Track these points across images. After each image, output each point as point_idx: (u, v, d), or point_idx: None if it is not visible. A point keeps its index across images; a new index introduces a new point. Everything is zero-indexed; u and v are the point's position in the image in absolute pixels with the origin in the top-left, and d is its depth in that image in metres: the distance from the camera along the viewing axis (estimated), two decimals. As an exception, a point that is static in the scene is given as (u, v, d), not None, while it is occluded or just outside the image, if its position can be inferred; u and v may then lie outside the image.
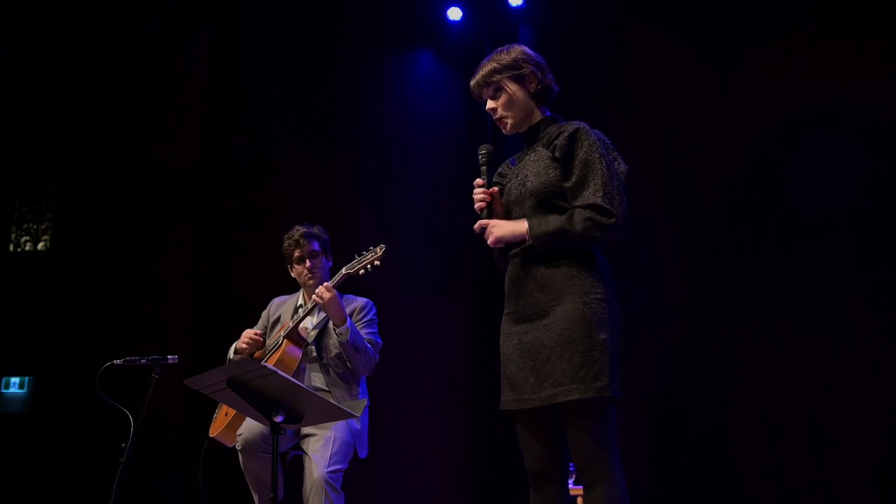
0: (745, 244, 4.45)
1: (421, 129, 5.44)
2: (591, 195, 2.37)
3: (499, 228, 2.48)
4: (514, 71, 2.56)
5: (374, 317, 3.71)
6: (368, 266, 3.39)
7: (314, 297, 3.45)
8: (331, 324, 3.53)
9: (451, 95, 5.53)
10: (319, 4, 5.54)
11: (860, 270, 4.17)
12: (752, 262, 4.40)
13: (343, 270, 3.45)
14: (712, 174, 4.61)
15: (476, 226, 2.53)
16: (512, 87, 2.56)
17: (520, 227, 2.44)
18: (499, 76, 2.56)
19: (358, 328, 3.60)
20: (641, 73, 4.98)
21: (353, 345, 3.43)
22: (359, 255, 3.44)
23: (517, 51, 2.59)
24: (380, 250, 3.38)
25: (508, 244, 2.53)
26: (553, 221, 2.39)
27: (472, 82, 2.61)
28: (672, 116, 4.81)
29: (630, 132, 4.69)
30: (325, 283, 3.44)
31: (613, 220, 2.35)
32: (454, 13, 5.44)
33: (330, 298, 3.40)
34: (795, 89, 4.47)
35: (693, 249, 4.59)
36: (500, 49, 2.62)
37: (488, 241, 2.51)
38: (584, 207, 2.36)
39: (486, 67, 2.58)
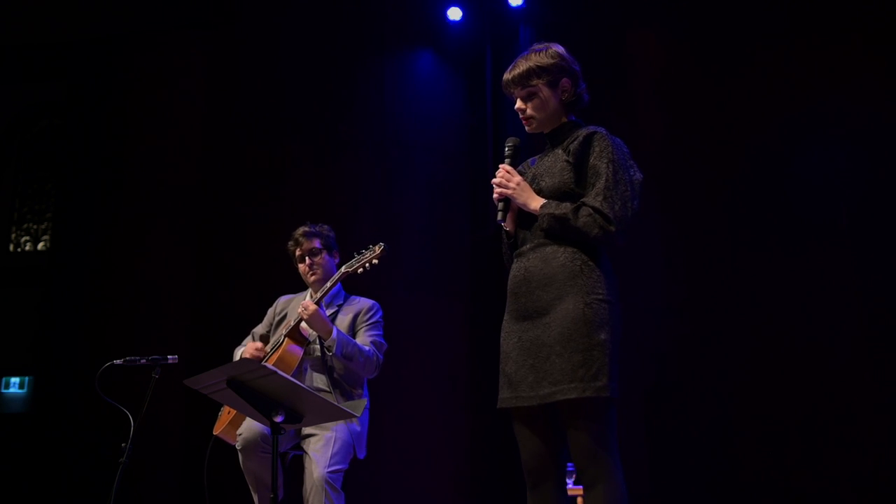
0: (744, 244, 4.45)
1: (421, 129, 5.44)
2: (592, 199, 2.40)
3: (520, 192, 2.50)
4: (551, 76, 2.54)
5: (380, 319, 3.71)
6: (367, 265, 3.41)
7: (297, 312, 3.48)
8: (336, 326, 3.54)
9: (451, 95, 5.53)
10: (319, 5, 5.54)
11: (860, 270, 4.17)
12: (751, 262, 4.40)
13: (342, 269, 3.49)
14: (712, 174, 4.60)
15: (501, 172, 2.54)
16: (545, 93, 2.55)
17: (535, 202, 2.48)
18: (535, 80, 2.54)
19: (362, 330, 3.62)
20: (641, 73, 4.98)
21: (342, 356, 3.44)
22: (358, 254, 3.46)
23: (556, 54, 2.56)
24: (378, 248, 3.40)
25: (517, 241, 2.56)
26: (563, 207, 2.43)
27: (507, 77, 2.58)
28: (672, 116, 4.81)
29: (630, 132, 4.67)
30: (307, 300, 3.47)
31: (613, 227, 2.36)
32: (454, 13, 5.44)
33: (312, 313, 3.41)
34: (795, 89, 4.47)
35: (693, 249, 4.59)
36: (537, 48, 2.59)
37: (496, 190, 2.53)
38: (590, 206, 2.39)
39: (523, 66, 2.55)
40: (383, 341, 3.65)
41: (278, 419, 2.55)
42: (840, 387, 4.07)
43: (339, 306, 3.70)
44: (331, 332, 3.43)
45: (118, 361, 3.41)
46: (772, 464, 4.17)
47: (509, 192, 2.51)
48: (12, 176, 7.34)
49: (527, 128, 2.62)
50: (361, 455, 3.50)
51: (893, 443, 3.93)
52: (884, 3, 4.34)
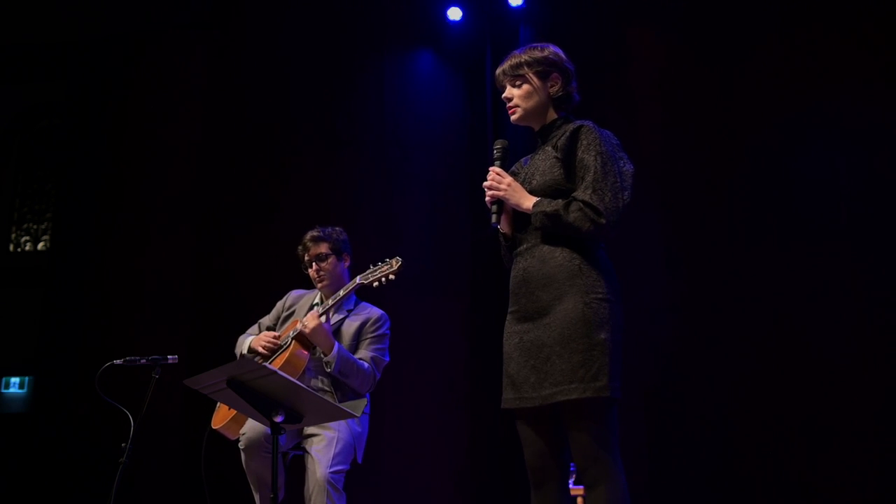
0: (744, 244, 4.45)
1: (421, 129, 5.44)
2: (581, 192, 2.40)
3: (511, 192, 2.50)
4: (541, 67, 2.57)
5: (387, 331, 3.65)
6: (383, 279, 3.35)
7: (299, 325, 3.45)
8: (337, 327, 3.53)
9: (451, 95, 5.53)
10: (319, 5, 5.54)
11: (860, 270, 4.17)
12: (751, 262, 4.40)
13: (357, 279, 3.43)
14: (712, 174, 4.61)
15: (492, 175, 2.54)
16: (535, 83, 2.57)
17: (528, 201, 2.47)
18: (526, 69, 2.57)
19: (366, 342, 3.59)
20: (641, 72, 4.98)
21: (339, 373, 3.42)
22: (373, 266, 3.41)
23: (551, 51, 2.61)
24: (395, 263, 3.34)
25: (514, 242, 2.56)
26: (555, 204, 2.42)
27: (499, 69, 2.62)
28: (672, 116, 4.81)
29: (630, 132, 4.68)
30: (314, 311, 3.44)
31: (604, 220, 2.36)
32: (454, 13, 5.43)
33: (314, 328, 3.37)
34: (795, 89, 4.47)
35: (693, 249, 4.59)
36: (534, 45, 2.63)
37: (488, 193, 2.53)
38: (580, 201, 2.39)
39: (516, 59, 2.59)
40: (385, 357, 3.61)
41: (278, 419, 2.55)
42: (840, 386, 4.07)
43: (349, 311, 3.67)
44: (332, 348, 3.41)
45: (118, 361, 3.41)
46: (772, 463, 4.17)
47: (501, 193, 2.51)
48: (12, 176, 7.35)
49: (511, 117, 2.62)
50: (359, 459, 3.49)
51: (893, 443, 3.93)
52: (884, 3, 4.34)
